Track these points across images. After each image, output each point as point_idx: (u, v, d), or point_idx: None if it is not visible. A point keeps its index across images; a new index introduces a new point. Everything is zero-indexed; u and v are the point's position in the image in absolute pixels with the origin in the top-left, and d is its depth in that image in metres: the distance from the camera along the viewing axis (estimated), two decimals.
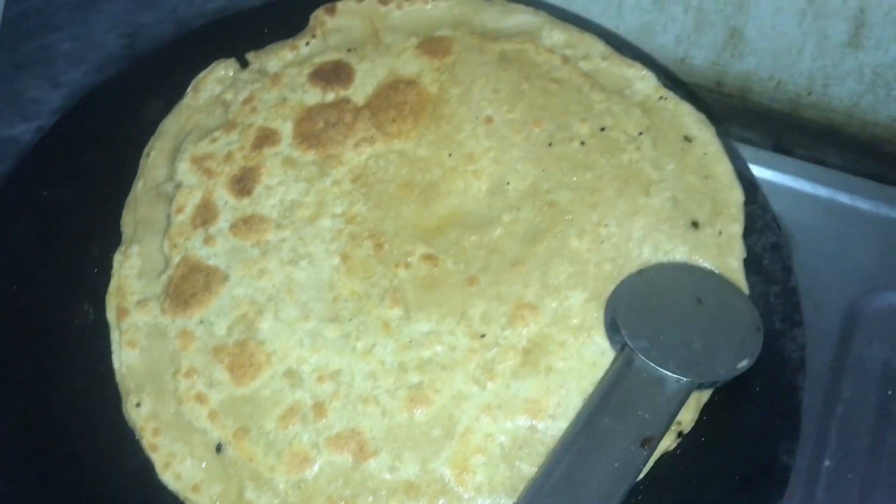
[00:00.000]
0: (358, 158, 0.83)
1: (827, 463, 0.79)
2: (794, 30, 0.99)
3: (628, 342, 0.70)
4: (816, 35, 0.98)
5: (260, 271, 0.77)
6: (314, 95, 0.87)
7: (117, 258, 0.81)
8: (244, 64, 0.92)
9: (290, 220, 0.80)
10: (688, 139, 0.81)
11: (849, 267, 0.88)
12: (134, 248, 0.81)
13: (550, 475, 0.65)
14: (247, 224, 0.79)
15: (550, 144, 0.81)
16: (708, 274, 0.75)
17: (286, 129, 0.85)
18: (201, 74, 0.91)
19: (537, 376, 0.71)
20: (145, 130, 0.89)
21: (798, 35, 0.99)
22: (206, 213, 0.81)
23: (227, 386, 0.73)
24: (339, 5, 0.94)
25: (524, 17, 0.92)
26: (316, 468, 0.69)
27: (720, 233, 0.76)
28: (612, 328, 0.72)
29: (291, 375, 0.73)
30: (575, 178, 0.79)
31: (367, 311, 0.75)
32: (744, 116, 1.10)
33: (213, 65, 0.91)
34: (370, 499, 0.68)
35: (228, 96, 0.89)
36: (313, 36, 0.93)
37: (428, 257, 0.77)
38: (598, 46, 0.89)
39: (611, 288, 0.74)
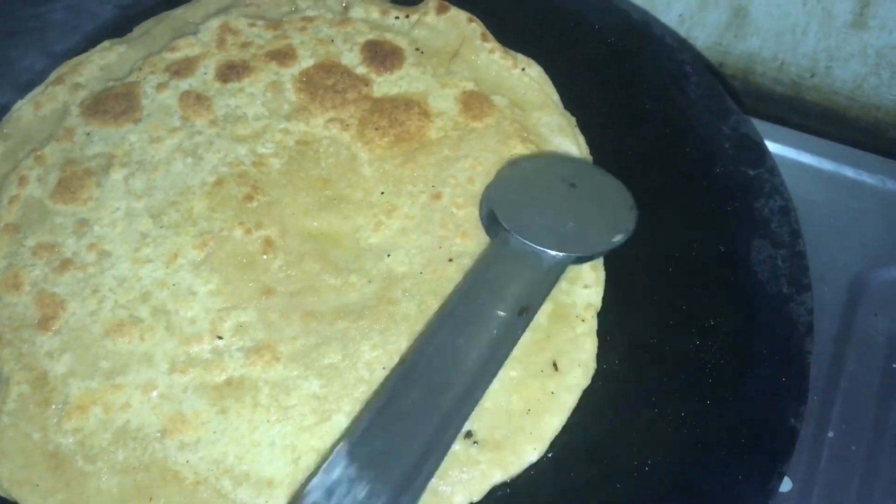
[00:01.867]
0: (318, 130, 0.82)
1: (831, 434, 0.78)
2: (799, 9, 0.99)
3: (503, 224, 0.72)
4: (821, 15, 0.98)
5: (159, 137, 0.81)
6: (351, 58, 0.87)
7: None
8: None
9: (225, 124, 0.82)
10: None
11: (854, 241, 0.87)
12: None
13: (430, 343, 0.66)
14: (199, 100, 0.83)
15: (450, 260, 0.75)
16: (580, 161, 0.79)
17: (305, 61, 0.86)
18: None
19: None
20: None
21: (802, 15, 0.99)
22: (188, 65, 0.86)
23: (46, 193, 0.78)
24: (453, 10, 0.91)
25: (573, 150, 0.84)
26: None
27: None
28: (489, 218, 0.74)
29: (83, 224, 0.76)
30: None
31: (180, 234, 0.75)
32: (746, 99, 1.10)
33: None
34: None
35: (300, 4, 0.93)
36: (407, 16, 0.91)
37: (268, 243, 0.75)
38: None
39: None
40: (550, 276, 0.71)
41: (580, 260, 0.73)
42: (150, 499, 0.64)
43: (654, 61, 0.87)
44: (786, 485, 0.75)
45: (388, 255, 0.75)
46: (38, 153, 0.80)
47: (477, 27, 0.89)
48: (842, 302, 0.84)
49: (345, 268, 0.74)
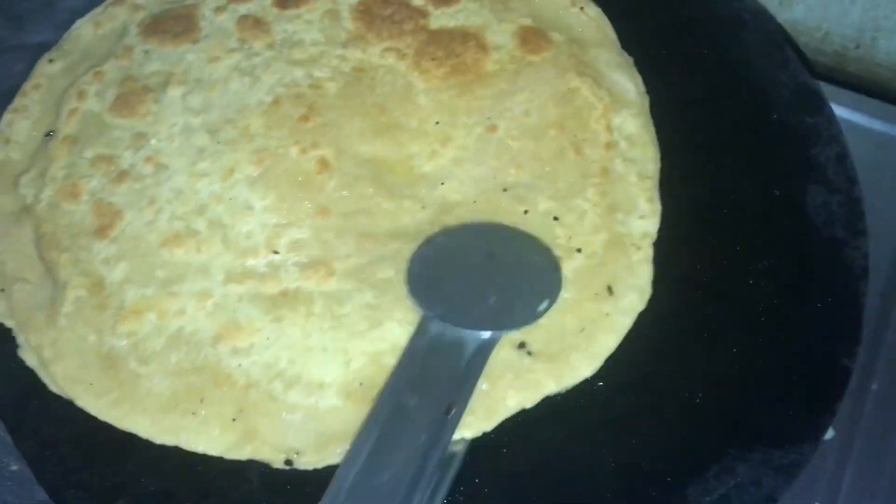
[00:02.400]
0: (374, 59, 0.82)
1: (875, 386, 0.77)
2: None
3: (421, 310, 0.68)
4: None
5: (217, 57, 0.82)
6: None
7: None
8: None
9: (282, 48, 0.82)
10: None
11: None
12: None
13: (356, 460, 0.62)
14: (257, 24, 0.83)
15: (504, 190, 0.75)
16: (497, 228, 0.73)
17: None
18: None
19: None
20: None
21: None
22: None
23: (105, 107, 0.80)
24: None
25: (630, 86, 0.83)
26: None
27: None
28: (410, 298, 0.70)
29: (141, 137, 0.77)
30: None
31: (236, 150, 0.76)
32: None
33: None
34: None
35: None
36: None
37: (323, 163, 0.75)
38: None
39: None
40: (476, 364, 0.66)
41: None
42: (201, 400, 0.64)
43: (711, 7, 0.87)
44: (828, 433, 0.74)
45: (442, 184, 0.75)
46: (98, 70, 0.82)
47: None
48: (890, 259, 0.84)
49: (399, 193, 0.74)
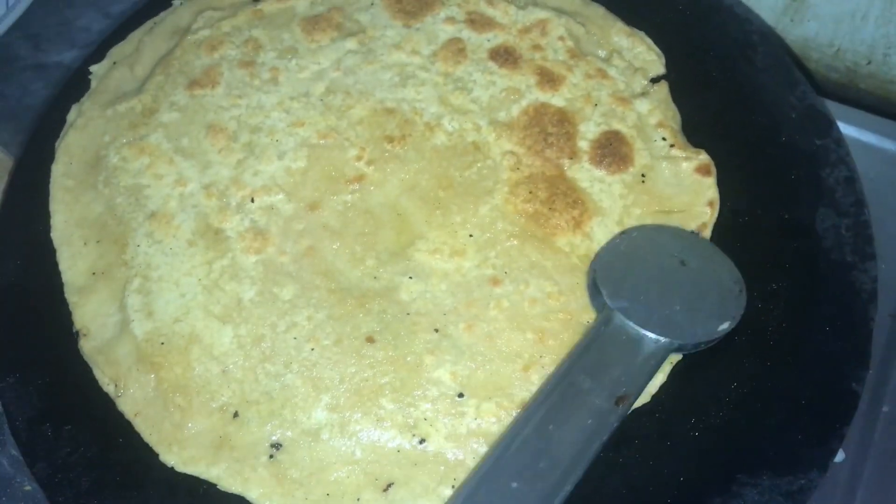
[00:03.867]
0: (493, 148, 0.80)
1: (886, 408, 0.77)
2: None
3: (608, 301, 0.68)
4: (882, 0, 0.97)
5: (399, 47, 0.86)
6: (586, 129, 0.81)
7: None
8: None
9: (448, 80, 0.84)
10: None
11: None
12: None
13: (523, 429, 0.63)
14: (459, 48, 0.85)
15: (436, 331, 0.71)
16: (692, 237, 0.74)
17: (556, 98, 0.82)
18: None
19: None
20: None
21: (863, 0, 0.98)
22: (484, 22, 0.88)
23: (298, 20, 0.88)
24: (711, 179, 0.79)
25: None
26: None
27: None
28: (594, 289, 0.70)
29: (291, 51, 0.85)
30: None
31: (323, 115, 0.81)
32: None
33: None
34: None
35: None
36: (672, 145, 0.80)
37: (361, 176, 0.78)
38: None
39: None
40: (650, 363, 0.66)
41: (682, 349, 0.69)
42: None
43: (721, 30, 0.87)
44: (839, 455, 0.75)
45: (410, 278, 0.73)
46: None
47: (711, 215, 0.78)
48: None
49: (375, 250, 0.74)
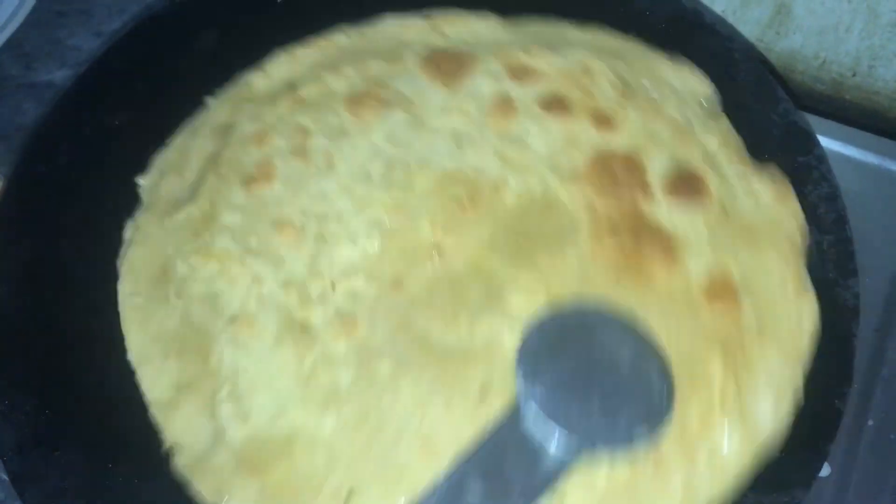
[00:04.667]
0: (566, 195, 0.77)
1: (871, 423, 0.78)
2: (843, 7, 0.99)
3: (523, 384, 0.63)
4: (866, 13, 0.98)
5: (448, 111, 0.82)
6: (656, 165, 0.79)
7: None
8: None
9: (504, 139, 0.80)
10: None
11: None
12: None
13: None
14: (506, 106, 0.82)
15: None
16: (626, 323, 0.68)
17: (622, 137, 0.80)
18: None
19: None
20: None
21: (847, 12, 0.99)
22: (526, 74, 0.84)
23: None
24: (792, 202, 0.78)
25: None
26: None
27: None
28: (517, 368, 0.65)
29: (342, 133, 0.81)
30: None
31: (386, 191, 0.78)
32: None
33: None
34: None
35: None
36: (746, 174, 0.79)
37: (439, 249, 0.75)
38: None
39: None
40: (553, 474, 0.61)
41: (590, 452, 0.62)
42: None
43: (704, 48, 0.87)
44: (824, 470, 0.75)
45: (510, 325, 0.70)
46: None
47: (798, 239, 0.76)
48: (884, 294, 0.84)
49: (469, 311, 0.72)
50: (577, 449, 0.61)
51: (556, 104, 0.81)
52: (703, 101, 0.84)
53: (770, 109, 0.82)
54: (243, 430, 0.68)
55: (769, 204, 0.77)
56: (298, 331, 0.71)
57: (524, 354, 0.65)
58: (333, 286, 0.73)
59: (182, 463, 0.69)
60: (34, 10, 1.12)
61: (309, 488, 0.66)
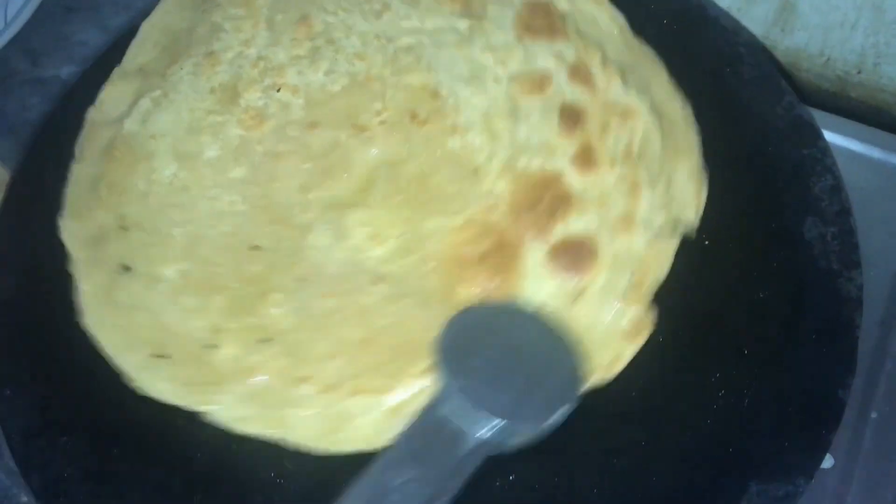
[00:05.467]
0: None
1: (874, 415, 0.78)
2: (848, 4, 0.99)
3: (445, 377, 0.63)
4: (871, 10, 0.98)
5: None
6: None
7: None
8: None
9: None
10: None
11: None
12: None
13: None
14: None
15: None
16: (534, 315, 0.69)
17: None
18: None
19: None
20: None
21: (852, 10, 0.99)
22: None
23: None
24: None
25: None
26: None
27: None
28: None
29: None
30: None
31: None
32: None
33: None
34: None
35: None
36: None
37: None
38: None
39: None
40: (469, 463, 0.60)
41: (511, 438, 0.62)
42: None
43: (708, 43, 0.88)
44: (828, 461, 0.75)
45: (327, 230, 0.73)
46: None
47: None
48: (888, 288, 0.84)
49: (323, 196, 0.75)
50: (498, 428, 0.61)
51: (571, 117, 0.76)
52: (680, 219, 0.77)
53: (775, 103, 0.83)
54: (135, 126, 0.79)
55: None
56: (229, 95, 0.79)
57: (443, 346, 0.66)
58: (279, 88, 0.79)
59: (94, 114, 0.85)
60: (42, 6, 1.13)
61: (117, 200, 0.77)
